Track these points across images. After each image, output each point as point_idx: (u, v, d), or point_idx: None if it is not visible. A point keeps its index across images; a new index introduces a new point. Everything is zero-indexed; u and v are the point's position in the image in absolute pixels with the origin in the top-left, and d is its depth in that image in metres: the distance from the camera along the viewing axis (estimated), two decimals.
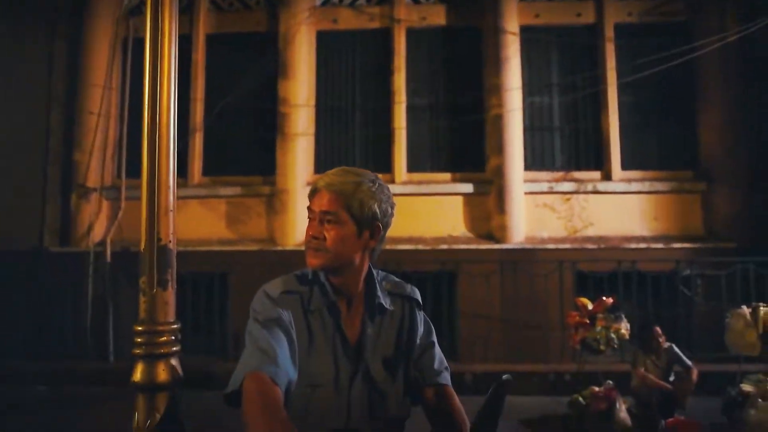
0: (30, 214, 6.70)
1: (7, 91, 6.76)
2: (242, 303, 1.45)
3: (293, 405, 1.39)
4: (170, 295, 1.48)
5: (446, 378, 1.58)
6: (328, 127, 6.85)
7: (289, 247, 6.33)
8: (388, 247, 6.10)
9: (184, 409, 1.53)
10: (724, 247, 6.05)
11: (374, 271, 1.57)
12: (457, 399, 1.54)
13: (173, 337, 1.47)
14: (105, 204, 6.77)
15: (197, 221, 6.68)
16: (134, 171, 6.28)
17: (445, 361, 1.61)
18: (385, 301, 1.54)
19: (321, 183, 1.47)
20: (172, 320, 1.48)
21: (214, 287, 6.29)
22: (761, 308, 4.40)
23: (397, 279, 1.62)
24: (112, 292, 6.34)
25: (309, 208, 1.48)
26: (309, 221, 1.48)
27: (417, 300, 1.61)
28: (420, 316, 1.60)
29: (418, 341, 1.57)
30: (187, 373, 1.49)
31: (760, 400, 3.94)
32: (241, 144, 6.96)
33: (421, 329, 1.59)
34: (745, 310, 4.40)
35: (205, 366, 5.36)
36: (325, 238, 1.44)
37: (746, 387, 4.09)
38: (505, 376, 1.33)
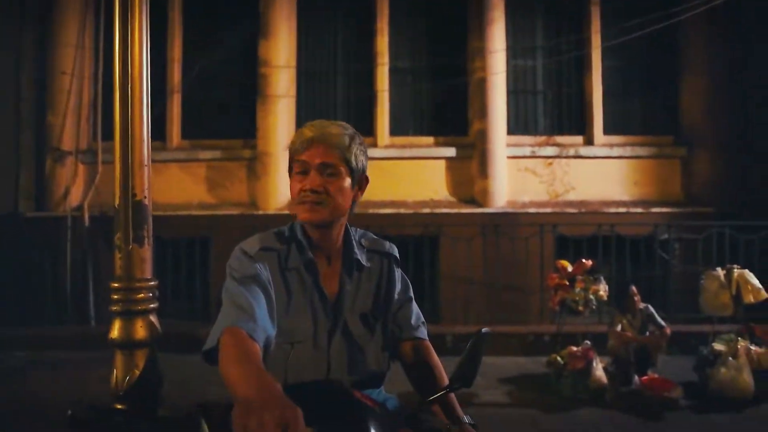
0: (3, 178, 6.53)
1: None
2: (223, 267, 1.41)
3: (272, 362, 1.39)
4: (147, 251, 1.45)
5: (423, 332, 1.60)
6: (310, 89, 6.73)
7: (271, 211, 6.29)
8: (370, 210, 6.11)
9: (164, 368, 1.53)
10: (701, 212, 6.14)
11: (351, 229, 1.57)
12: (434, 353, 1.56)
13: (151, 294, 1.46)
14: (81, 168, 6.62)
15: (177, 185, 6.59)
16: (111, 134, 6.07)
17: (422, 316, 1.63)
18: (362, 258, 1.54)
19: (314, 135, 1.42)
20: (149, 277, 1.46)
21: (195, 252, 6.24)
22: (735, 270, 4.50)
23: (375, 236, 1.62)
24: (92, 257, 6.26)
25: (300, 161, 1.42)
26: (298, 174, 1.43)
27: (395, 257, 1.61)
28: (398, 272, 1.61)
29: (396, 297, 1.58)
30: (169, 338, 1.47)
31: (730, 358, 4.07)
32: (221, 106, 6.82)
33: (398, 285, 1.60)
34: (720, 272, 4.49)
35: (187, 330, 5.35)
36: (326, 191, 1.40)
37: (718, 346, 4.22)
38: (483, 329, 1.33)
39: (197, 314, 6.14)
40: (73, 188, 6.55)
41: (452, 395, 1.39)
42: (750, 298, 4.37)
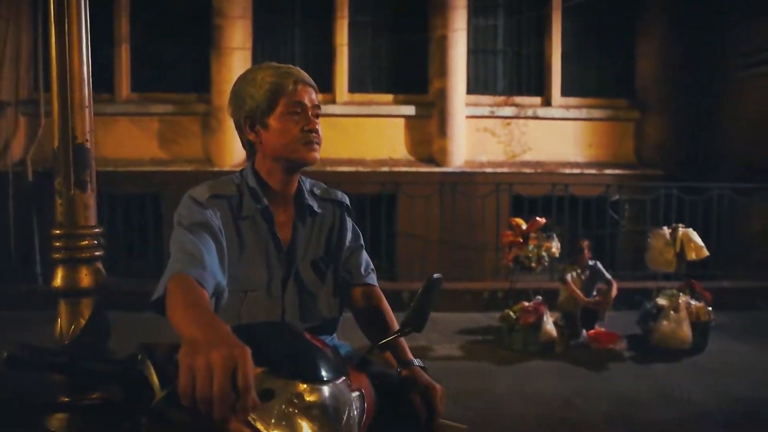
0: None
1: None
2: None
3: (226, 311, 1.37)
4: (90, 197, 1.38)
5: (373, 279, 1.61)
6: (267, 42, 6.52)
7: (226, 168, 6.14)
8: (328, 168, 6.05)
9: (116, 326, 1.48)
10: (651, 174, 6.34)
11: (301, 177, 1.54)
12: (384, 299, 1.57)
13: (96, 242, 1.40)
14: (22, 120, 6.29)
15: (127, 140, 6.34)
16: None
17: (372, 264, 1.64)
18: (314, 205, 1.52)
19: (301, 76, 1.43)
20: (93, 224, 1.39)
21: (147, 209, 6.07)
22: (680, 229, 4.69)
23: (325, 185, 1.60)
24: (37, 214, 6.01)
25: (296, 101, 1.40)
26: (292, 115, 1.40)
27: (347, 205, 1.60)
28: (349, 221, 1.60)
29: (347, 244, 1.58)
30: (122, 296, 1.42)
31: (672, 312, 4.27)
32: (173, 58, 6.54)
33: (350, 234, 1.60)
34: (665, 230, 4.67)
35: (139, 288, 5.25)
36: (318, 133, 1.42)
37: (661, 301, 4.42)
38: (435, 275, 1.34)
39: (150, 272, 6.00)
40: (14, 142, 6.24)
41: (402, 340, 1.41)
42: (693, 256, 4.57)
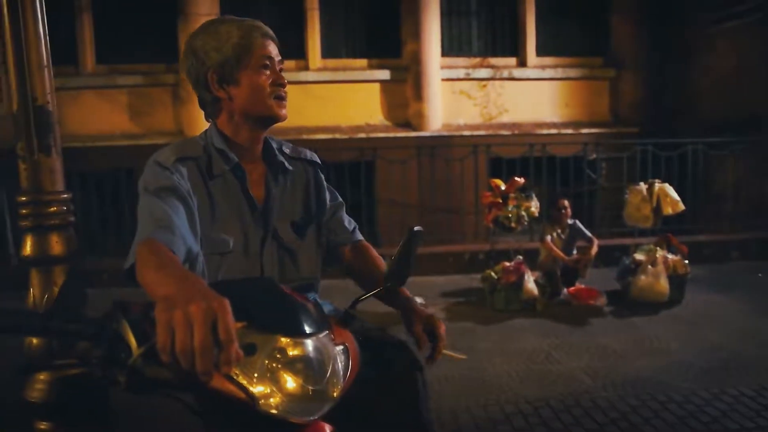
0: None
1: None
2: None
3: (203, 275, 1.34)
4: (56, 161, 1.33)
5: (359, 235, 1.59)
6: (235, 7, 6.32)
7: None
8: (304, 136, 5.96)
9: (92, 303, 1.44)
10: (628, 132, 6.38)
11: (267, 136, 1.50)
12: (373, 249, 1.56)
13: (65, 207, 1.35)
14: None
15: (96, 115, 6.17)
16: None
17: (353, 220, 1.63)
18: (285, 162, 1.48)
19: (265, 30, 1.38)
20: (60, 189, 1.34)
21: (121, 184, 5.94)
22: (656, 185, 4.74)
23: (292, 144, 1.56)
24: (6, 193, 5.85)
25: (264, 55, 1.35)
26: (261, 69, 1.35)
27: (318, 163, 1.57)
28: (322, 178, 1.57)
29: (328, 203, 1.55)
30: (98, 273, 1.37)
31: (649, 266, 4.34)
32: (139, 28, 6.33)
33: (328, 193, 1.57)
34: (642, 186, 4.72)
35: (114, 265, 5.16)
36: (286, 87, 1.39)
37: (639, 256, 4.48)
38: (415, 228, 1.32)
39: (125, 248, 5.89)
40: None
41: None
42: (669, 210, 4.64)
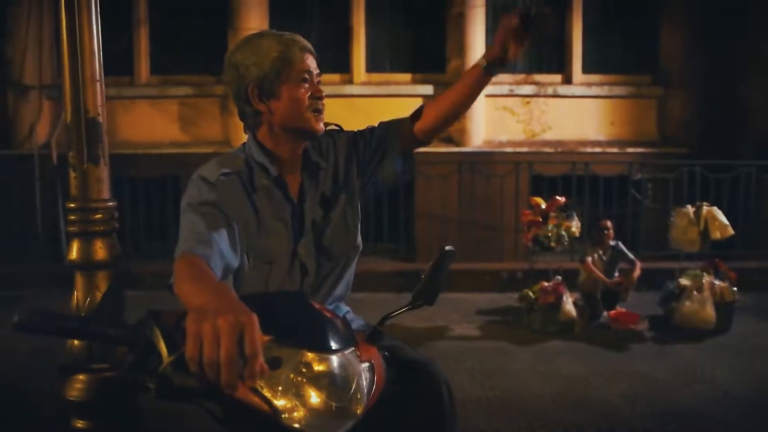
0: None
1: None
2: None
3: (251, 284, 1.38)
4: (103, 171, 1.39)
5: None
6: (283, 22, 6.47)
7: None
8: None
9: (137, 305, 1.49)
10: (675, 152, 6.20)
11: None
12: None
13: (110, 215, 1.41)
14: (47, 104, 6.36)
15: (148, 123, 6.39)
16: None
17: None
18: (320, 161, 1.50)
19: (304, 44, 1.42)
20: (106, 197, 1.40)
21: (168, 191, 6.13)
22: (704, 207, 4.58)
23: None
24: (62, 196, 6.11)
25: (304, 69, 1.39)
26: (301, 82, 1.39)
27: (335, 130, 1.57)
28: (345, 136, 1.57)
29: (365, 135, 1.56)
30: (143, 276, 1.42)
31: (695, 292, 4.19)
32: (191, 41, 6.55)
33: (362, 138, 1.56)
34: (689, 208, 4.57)
35: (160, 269, 5.32)
36: (323, 101, 1.42)
37: (684, 281, 4.34)
38: (447, 247, 1.32)
39: (171, 253, 6.07)
40: (39, 125, 6.32)
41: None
42: (717, 235, 4.48)
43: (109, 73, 5.65)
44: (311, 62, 1.41)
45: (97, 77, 1.38)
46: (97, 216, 1.40)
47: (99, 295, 1.41)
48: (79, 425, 1.38)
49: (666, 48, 6.47)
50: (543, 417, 2.87)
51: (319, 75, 1.44)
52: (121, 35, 6.28)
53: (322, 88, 1.44)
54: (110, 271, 1.42)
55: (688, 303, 4.17)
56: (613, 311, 4.38)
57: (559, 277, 4.41)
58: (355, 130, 1.58)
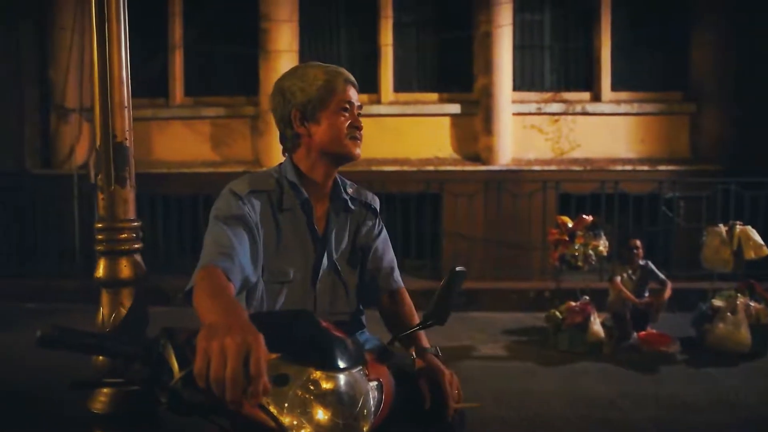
0: (9, 135, 6.55)
1: None
2: None
3: (262, 302, 1.42)
4: (129, 192, 1.46)
5: (399, 281, 1.65)
6: (312, 44, 6.63)
7: None
8: (374, 168, 6.08)
9: (165, 320, 1.55)
10: (708, 170, 6.07)
11: (338, 175, 1.58)
12: (408, 297, 1.61)
13: (134, 235, 1.47)
14: (86, 126, 6.61)
15: (181, 143, 6.59)
16: None
17: (395, 262, 1.68)
18: (349, 200, 1.55)
19: (348, 76, 1.50)
20: (132, 218, 1.47)
21: (199, 208, 6.28)
22: (737, 226, 4.47)
23: (357, 185, 1.65)
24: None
25: (345, 100, 1.47)
26: (341, 111, 1.46)
27: (374, 209, 1.64)
28: (379, 224, 1.65)
29: (376, 245, 1.62)
30: (174, 292, 1.47)
31: (729, 314, 4.07)
32: (223, 63, 6.75)
33: (380, 237, 1.64)
34: (722, 227, 4.47)
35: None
36: (361, 130, 1.50)
37: (717, 302, 4.23)
38: (458, 268, 1.34)
39: None
40: (78, 146, 6.57)
41: (421, 332, 1.42)
42: (751, 254, 4.36)
43: (145, 95, 5.88)
44: (353, 94, 1.49)
45: (125, 104, 1.45)
46: (123, 235, 1.47)
47: (123, 311, 1.46)
48: None
49: (697, 64, 6.38)
50: None
51: (359, 108, 1.52)
52: (156, 59, 6.52)
53: (361, 119, 1.52)
54: (134, 288, 1.48)
55: (721, 325, 4.06)
56: (642, 332, 4.28)
57: (587, 297, 4.35)
58: (377, 229, 1.64)
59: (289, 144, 1.54)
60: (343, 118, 1.46)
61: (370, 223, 1.61)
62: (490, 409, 3.15)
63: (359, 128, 1.48)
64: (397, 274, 1.63)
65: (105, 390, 1.44)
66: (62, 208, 6.32)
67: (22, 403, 3.14)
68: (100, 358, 1.37)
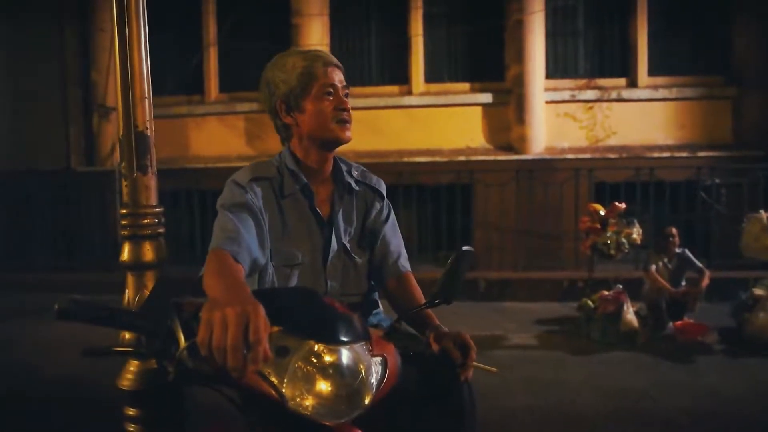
0: (55, 134, 6.84)
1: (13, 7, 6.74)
2: None
3: (275, 285, 1.46)
4: (150, 179, 1.53)
5: (406, 265, 1.64)
6: (344, 37, 6.68)
7: None
8: (405, 159, 6.10)
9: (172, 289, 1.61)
10: (751, 155, 5.86)
11: (340, 159, 1.61)
12: (414, 281, 1.61)
13: (156, 220, 1.54)
14: None
15: (216, 138, 6.74)
16: (153, 89, 6.22)
17: (404, 246, 1.67)
18: (351, 182, 1.58)
19: (331, 59, 1.50)
20: (153, 204, 1.54)
21: None
22: None
23: (363, 168, 1.66)
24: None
25: (327, 83, 1.46)
26: (325, 96, 1.46)
27: (381, 192, 1.65)
28: (387, 207, 1.65)
29: (383, 230, 1.62)
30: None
31: None
32: (256, 58, 6.83)
33: (388, 219, 1.64)
34: (763, 214, 4.31)
35: None
36: (349, 111, 1.49)
37: (758, 291, 4.10)
38: (465, 247, 1.35)
39: None
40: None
41: (430, 311, 1.43)
42: None
43: (182, 92, 5.98)
44: (336, 75, 1.48)
45: (146, 95, 1.52)
46: (146, 221, 1.54)
47: (146, 292, 1.54)
48: (130, 413, 1.50)
49: (739, 47, 6.15)
50: (596, 430, 2.79)
51: (345, 87, 1.51)
52: (192, 57, 6.68)
53: (348, 99, 1.51)
54: (157, 271, 1.55)
55: (762, 314, 3.93)
56: (679, 322, 4.19)
57: (620, 286, 4.27)
58: (387, 215, 1.64)
59: (283, 134, 1.58)
60: (327, 103, 1.46)
61: (378, 206, 1.63)
62: (519, 397, 3.14)
63: (346, 110, 1.47)
64: (404, 258, 1.64)
65: (132, 367, 1.52)
66: (105, 204, 6.57)
67: (60, 385, 3.34)
68: (127, 335, 1.45)
